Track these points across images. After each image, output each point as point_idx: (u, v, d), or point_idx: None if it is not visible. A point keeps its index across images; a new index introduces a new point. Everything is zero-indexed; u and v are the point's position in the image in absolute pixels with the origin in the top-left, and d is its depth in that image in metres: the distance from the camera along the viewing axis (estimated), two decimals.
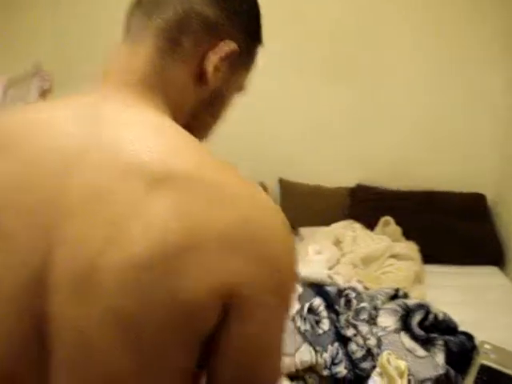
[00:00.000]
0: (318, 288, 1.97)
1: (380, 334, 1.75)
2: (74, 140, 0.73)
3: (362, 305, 1.85)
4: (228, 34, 0.84)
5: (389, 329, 1.77)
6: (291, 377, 1.66)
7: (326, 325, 1.80)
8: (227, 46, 0.83)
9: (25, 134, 0.76)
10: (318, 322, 1.81)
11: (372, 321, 1.81)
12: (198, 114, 0.87)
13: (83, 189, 0.71)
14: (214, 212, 0.69)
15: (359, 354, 1.74)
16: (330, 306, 1.92)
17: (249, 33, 0.88)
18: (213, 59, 0.82)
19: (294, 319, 1.78)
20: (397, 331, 1.77)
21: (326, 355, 1.71)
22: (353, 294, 1.90)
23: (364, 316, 1.82)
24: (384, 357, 1.61)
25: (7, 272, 0.73)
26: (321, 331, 1.78)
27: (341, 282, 2.04)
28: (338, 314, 1.88)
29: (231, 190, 0.72)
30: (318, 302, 1.86)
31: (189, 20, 0.81)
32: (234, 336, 0.73)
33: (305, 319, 1.81)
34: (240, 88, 0.93)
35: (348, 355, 1.74)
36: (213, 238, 0.69)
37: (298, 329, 1.75)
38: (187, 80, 0.83)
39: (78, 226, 0.70)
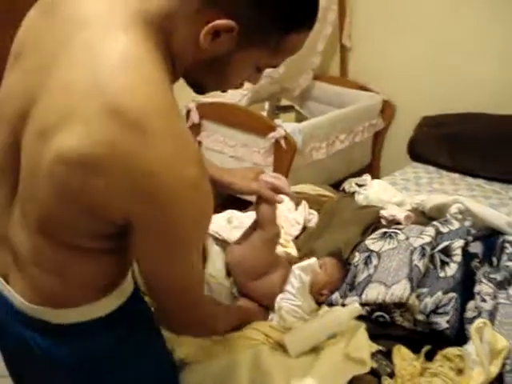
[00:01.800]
0: (483, 231, 1.68)
1: (502, 301, 1.43)
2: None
3: (509, 263, 1.51)
4: (235, 10, 0.89)
5: None
6: (374, 308, 1.51)
7: (452, 270, 1.52)
8: (220, 22, 0.89)
9: (59, 5, 0.99)
10: (444, 264, 1.55)
11: (508, 285, 1.48)
12: (198, 71, 0.99)
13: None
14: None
15: (470, 314, 1.46)
16: (486, 256, 1.63)
17: (270, 16, 0.91)
18: (206, 29, 0.89)
19: (411, 251, 1.57)
20: None
21: (429, 300, 1.48)
22: (509, 249, 1.56)
23: (503, 275, 1.50)
24: (475, 325, 1.33)
25: (14, 94, 1.01)
26: (442, 274, 1.53)
27: None
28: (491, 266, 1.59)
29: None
30: (459, 243, 1.58)
31: None
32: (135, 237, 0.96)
33: (432, 256, 1.58)
34: (261, 65, 1.01)
35: (462, 312, 1.48)
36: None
37: (411, 262, 1.54)
38: (189, 37, 0.92)
39: (48, 96, 0.92)
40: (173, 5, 0.91)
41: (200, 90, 1.06)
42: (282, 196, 1.50)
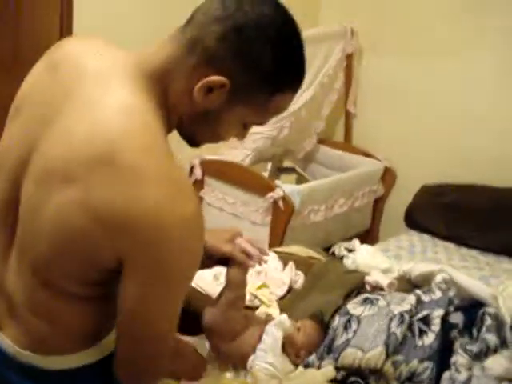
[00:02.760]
0: (466, 302, 1.69)
1: (476, 373, 1.43)
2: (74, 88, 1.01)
3: (487, 336, 1.52)
4: (227, 70, 0.98)
5: (491, 372, 1.43)
6: (350, 373, 1.51)
7: (429, 339, 1.53)
8: (214, 79, 0.97)
9: (64, 61, 1.07)
10: (422, 332, 1.55)
11: (484, 357, 1.48)
12: (191, 123, 1.06)
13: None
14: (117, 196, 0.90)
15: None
16: (467, 327, 1.63)
17: (258, 77, 1.00)
18: (200, 84, 0.98)
19: (390, 318, 1.58)
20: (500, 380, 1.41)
21: (404, 368, 1.48)
22: (488, 321, 1.57)
23: (480, 347, 1.50)
24: None
25: (15, 144, 1.08)
26: (419, 343, 1.53)
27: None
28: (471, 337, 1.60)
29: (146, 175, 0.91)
30: (438, 313, 1.59)
31: (195, 45, 0.98)
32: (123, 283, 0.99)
33: (411, 324, 1.59)
34: (248, 122, 1.08)
35: (437, 382, 1.48)
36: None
37: (389, 328, 1.54)
38: (185, 90, 1.00)
39: (48, 145, 0.98)
40: (172, 61, 1.00)
41: (192, 142, 1.12)
42: (265, 257, 1.51)
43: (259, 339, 1.51)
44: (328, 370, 1.45)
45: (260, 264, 1.50)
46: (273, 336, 1.48)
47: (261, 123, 1.11)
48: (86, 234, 0.93)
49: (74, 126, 0.95)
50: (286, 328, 1.51)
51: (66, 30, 2.43)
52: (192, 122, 1.06)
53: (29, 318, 1.07)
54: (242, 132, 1.12)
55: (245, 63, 0.98)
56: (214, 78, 0.97)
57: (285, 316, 1.54)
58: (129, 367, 1.10)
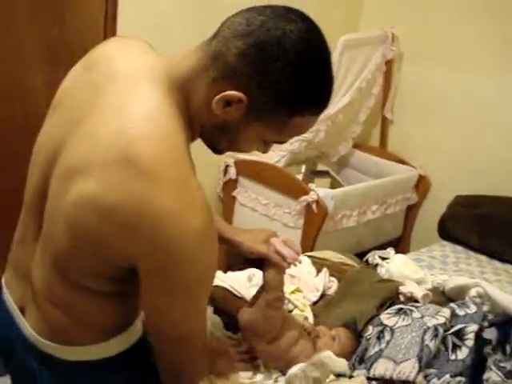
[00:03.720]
0: (500, 318, 1.68)
1: None
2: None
3: None
4: (245, 86, 0.99)
5: None
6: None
7: (463, 354, 1.52)
8: (231, 93, 0.99)
9: (99, 62, 1.12)
10: (455, 347, 1.55)
11: None
12: (211, 132, 1.09)
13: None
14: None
15: None
16: (500, 344, 1.62)
17: (276, 97, 1.01)
18: (218, 97, 1.00)
19: (424, 331, 1.57)
20: None
21: (436, 382, 1.48)
22: None
23: None
24: None
25: (48, 140, 1.13)
26: (452, 357, 1.53)
27: None
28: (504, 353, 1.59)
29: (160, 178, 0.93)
30: (472, 328, 1.58)
31: (218, 59, 1.01)
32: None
33: (444, 337, 1.58)
34: (267, 139, 1.10)
35: None
36: None
37: (422, 341, 1.54)
38: (205, 101, 1.03)
39: (74, 143, 1.03)
40: (195, 71, 1.03)
41: (214, 150, 1.15)
42: (299, 258, 1.50)
43: (298, 342, 1.52)
44: (360, 380, 1.45)
45: (295, 265, 1.50)
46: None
47: (282, 142, 1.13)
48: (98, 230, 0.97)
49: (99, 127, 0.99)
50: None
51: (109, 31, 2.46)
52: (212, 132, 1.08)
53: (48, 307, 1.12)
54: (264, 147, 1.13)
55: (262, 81, 0.99)
56: (231, 92, 0.99)
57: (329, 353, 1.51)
58: (170, 373, 1.15)
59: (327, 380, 1.51)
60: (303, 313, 1.77)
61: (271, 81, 0.98)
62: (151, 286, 1.01)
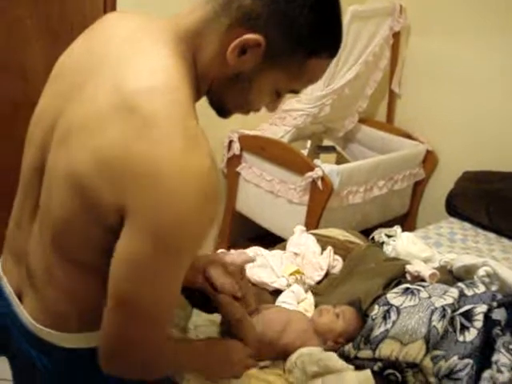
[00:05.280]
0: (509, 298, 1.63)
1: None
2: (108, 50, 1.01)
3: None
4: (262, 29, 0.95)
5: None
6: (387, 365, 1.48)
7: (471, 335, 1.49)
8: (250, 37, 0.94)
9: (99, 31, 1.09)
10: (463, 328, 1.51)
11: None
12: (221, 87, 1.03)
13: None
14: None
15: (485, 383, 1.42)
16: (509, 325, 1.58)
17: (294, 37, 0.97)
18: (235, 43, 0.95)
19: (432, 311, 1.53)
20: None
21: (444, 364, 1.44)
22: None
23: None
24: None
25: (45, 112, 1.09)
26: (461, 339, 1.49)
27: None
28: None
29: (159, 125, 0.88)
30: (481, 309, 1.54)
31: (230, 4, 0.95)
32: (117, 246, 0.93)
33: (452, 318, 1.54)
34: (281, 88, 1.05)
35: (476, 380, 1.44)
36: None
37: (430, 322, 1.50)
38: (217, 52, 0.98)
39: (73, 110, 0.99)
40: (205, 21, 0.98)
41: (221, 109, 1.09)
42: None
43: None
44: (365, 375, 1.40)
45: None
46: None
47: (294, 91, 1.07)
48: (92, 180, 0.92)
49: (98, 87, 0.95)
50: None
51: (109, 6, 2.41)
52: (222, 87, 1.03)
53: (46, 291, 1.07)
54: (274, 101, 1.09)
55: (281, 22, 0.95)
56: (249, 36, 0.94)
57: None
58: (116, 352, 1.01)
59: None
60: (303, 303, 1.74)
61: (289, 21, 0.94)
62: (132, 234, 0.91)
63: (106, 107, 0.91)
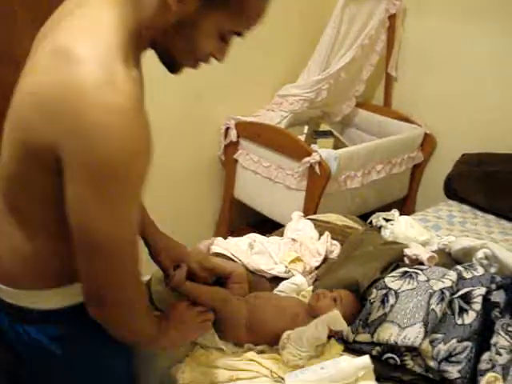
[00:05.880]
0: (508, 280, 1.63)
1: None
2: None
3: None
4: None
5: None
6: (386, 349, 1.48)
7: (470, 318, 1.48)
8: None
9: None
10: (462, 311, 1.51)
11: None
12: (166, 37, 1.05)
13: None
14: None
15: (484, 366, 1.41)
16: (508, 307, 1.57)
17: None
18: None
19: (430, 294, 1.53)
20: None
21: (442, 347, 1.44)
22: None
23: None
24: (486, 379, 1.29)
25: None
26: (459, 321, 1.48)
27: None
28: None
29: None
30: (480, 291, 1.54)
31: None
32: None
33: (451, 301, 1.54)
34: (225, 30, 1.06)
35: (475, 363, 1.43)
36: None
37: (428, 305, 1.50)
38: (158, 2, 1.00)
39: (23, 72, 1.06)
40: None
41: (171, 62, 1.11)
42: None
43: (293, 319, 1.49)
44: (364, 361, 1.38)
45: None
46: (319, 334, 1.44)
47: (238, 32, 1.09)
48: (30, 122, 0.97)
49: (45, 44, 1.00)
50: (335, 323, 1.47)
51: None
52: (168, 37, 1.05)
53: (4, 252, 1.13)
54: (221, 46, 1.10)
55: None
56: None
57: (337, 312, 1.47)
58: (94, 296, 1.07)
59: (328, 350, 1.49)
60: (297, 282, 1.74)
61: None
62: (71, 178, 0.96)
63: (41, 54, 0.98)
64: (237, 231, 2.86)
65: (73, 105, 0.90)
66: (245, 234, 1.97)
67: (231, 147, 3.14)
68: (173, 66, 1.11)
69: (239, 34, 1.09)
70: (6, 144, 1.07)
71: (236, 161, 3.16)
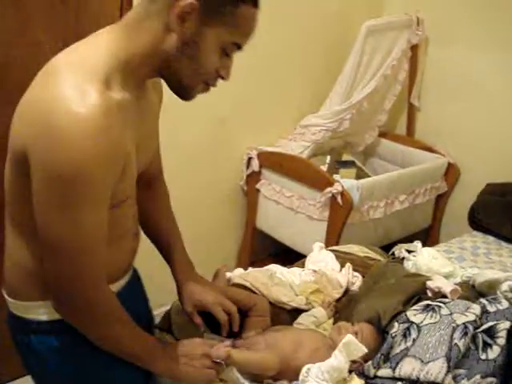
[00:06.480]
0: None
1: None
2: None
3: None
4: None
5: None
6: None
7: (494, 353, 1.45)
8: (183, 2, 1.04)
9: None
10: (486, 345, 1.47)
11: None
12: (172, 61, 1.11)
13: None
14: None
15: None
16: None
17: None
18: (175, 13, 1.05)
19: (453, 328, 1.50)
20: None
21: (466, 383, 1.40)
22: None
23: None
24: None
25: None
26: (483, 357, 1.45)
27: None
28: None
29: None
30: (504, 325, 1.50)
31: None
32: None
33: (474, 336, 1.51)
34: (225, 44, 1.12)
35: None
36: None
37: (451, 340, 1.47)
38: (160, 29, 1.08)
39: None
40: (137, 17, 1.11)
41: (180, 88, 1.16)
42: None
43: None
44: None
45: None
46: (338, 363, 1.40)
47: (238, 44, 1.14)
48: (14, 131, 1.07)
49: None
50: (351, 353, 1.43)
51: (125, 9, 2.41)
52: (172, 61, 1.11)
53: (5, 260, 1.20)
54: (225, 61, 1.15)
55: None
56: (183, 2, 1.04)
57: (351, 336, 1.45)
58: (55, 295, 1.13)
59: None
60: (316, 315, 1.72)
61: None
62: (34, 179, 1.02)
63: (38, 74, 1.08)
64: (258, 261, 2.85)
65: (44, 110, 0.98)
66: (266, 264, 1.96)
67: (253, 177, 3.15)
68: (182, 90, 1.16)
69: (239, 47, 1.14)
70: (7, 159, 1.14)
71: (258, 190, 3.16)
